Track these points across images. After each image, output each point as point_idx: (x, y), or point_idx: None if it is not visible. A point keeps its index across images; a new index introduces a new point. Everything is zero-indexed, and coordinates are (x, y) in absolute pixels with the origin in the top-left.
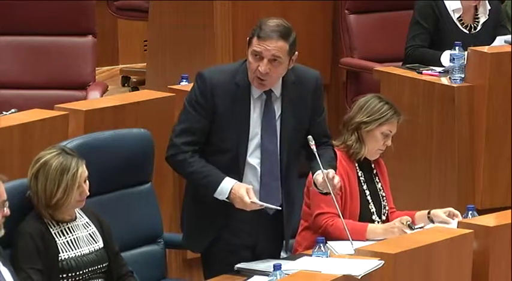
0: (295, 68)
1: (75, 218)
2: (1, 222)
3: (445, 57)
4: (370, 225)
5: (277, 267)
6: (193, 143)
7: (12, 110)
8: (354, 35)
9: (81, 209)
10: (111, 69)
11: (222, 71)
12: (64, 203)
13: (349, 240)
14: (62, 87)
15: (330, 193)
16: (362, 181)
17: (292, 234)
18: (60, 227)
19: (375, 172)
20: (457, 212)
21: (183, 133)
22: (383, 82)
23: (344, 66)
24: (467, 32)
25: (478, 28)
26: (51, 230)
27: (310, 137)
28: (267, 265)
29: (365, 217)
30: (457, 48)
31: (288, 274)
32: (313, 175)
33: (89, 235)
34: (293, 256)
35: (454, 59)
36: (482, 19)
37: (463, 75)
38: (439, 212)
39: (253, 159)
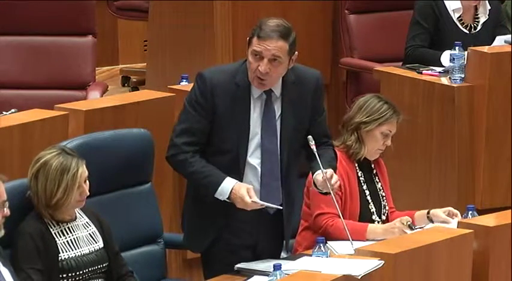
0: (295, 68)
1: (75, 218)
2: (1, 222)
3: (445, 57)
4: (370, 225)
5: (277, 267)
6: (193, 143)
7: (12, 110)
8: (354, 35)
9: (81, 209)
10: (111, 69)
11: (222, 71)
12: (64, 203)
13: (349, 240)
14: (62, 87)
15: (329, 193)
16: (362, 181)
17: (292, 234)
18: (60, 227)
19: (374, 171)
20: (456, 211)
21: (184, 133)
22: (383, 82)
23: (344, 66)
24: (467, 32)
25: (478, 28)
26: (51, 230)
27: (310, 137)
28: (267, 265)
29: (365, 217)
30: (457, 48)
31: (288, 274)
32: (313, 175)
33: (89, 235)
34: (293, 256)
35: (454, 59)
36: (482, 19)
37: (463, 75)
38: (439, 212)
39: (254, 159)
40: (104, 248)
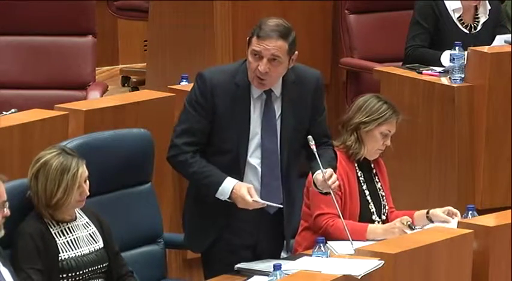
0: (296, 68)
1: (75, 218)
2: (1, 222)
3: (445, 57)
4: (370, 225)
5: (277, 267)
6: (193, 143)
7: (12, 110)
8: (354, 35)
9: (81, 209)
10: (111, 69)
11: (222, 71)
12: (64, 203)
13: (349, 240)
14: (62, 87)
15: (329, 193)
16: (362, 181)
17: (292, 234)
18: (60, 227)
19: (374, 171)
20: (456, 210)
21: (184, 134)
22: (383, 82)
23: (344, 66)
24: (467, 32)
25: (478, 28)
26: (51, 230)
27: (310, 137)
28: (267, 265)
29: (365, 217)
30: (457, 48)
31: (288, 274)
32: (313, 175)
33: (89, 235)
34: (293, 256)
35: (454, 59)
36: (483, 19)
37: (463, 75)
38: (439, 212)
39: (254, 159)
40: (104, 248)
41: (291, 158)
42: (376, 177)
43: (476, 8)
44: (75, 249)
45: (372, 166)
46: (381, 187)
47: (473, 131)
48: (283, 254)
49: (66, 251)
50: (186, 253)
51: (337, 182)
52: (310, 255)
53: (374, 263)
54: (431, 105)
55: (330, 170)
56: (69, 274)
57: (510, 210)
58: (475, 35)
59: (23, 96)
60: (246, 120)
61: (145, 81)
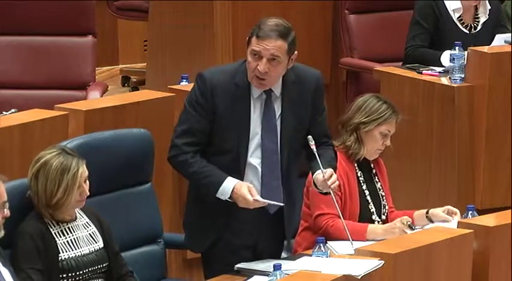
0: (295, 68)
1: (75, 218)
2: (1, 223)
3: (445, 57)
4: (370, 225)
5: (277, 267)
6: (194, 143)
7: (12, 110)
8: (354, 35)
9: (81, 209)
10: (111, 69)
11: (222, 71)
12: (64, 203)
13: (349, 240)
14: (62, 87)
15: (329, 193)
16: (361, 181)
17: (292, 234)
18: (60, 227)
19: (374, 171)
20: (455, 209)
21: (184, 134)
22: (383, 82)
23: (344, 66)
24: (467, 32)
25: (478, 28)
26: (51, 230)
27: (310, 137)
28: (267, 265)
29: (365, 217)
30: (457, 48)
31: (288, 274)
32: (313, 175)
33: (89, 235)
34: (293, 256)
35: (454, 59)
36: (483, 19)
37: (463, 75)
38: (438, 211)
39: (254, 159)
40: (104, 248)
41: (291, 158)
42: (376, 177)
43: (476, 8)
44: (75, 249)
45: (372, 165)
46: (380, 187)
47: (473, 131)
48: (283, 254)
49: (66, 251)
50: (186, 253)
51: (337, 182)
52: (310, 255)
53: (374, 263)
54: (431, 105)
55: (330, 170)
56: (69, 274)
57: (510, 210)
58: (475, 35)
59: (23, 96)
60: (246, 120)
61: (145, 81)
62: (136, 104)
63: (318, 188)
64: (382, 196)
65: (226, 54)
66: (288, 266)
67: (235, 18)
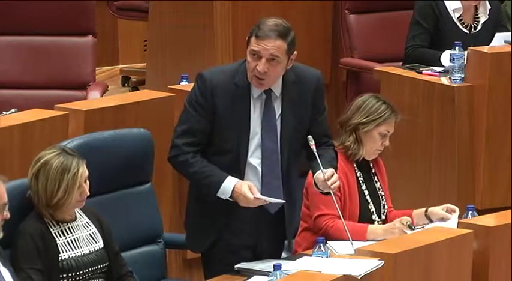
0: (295, 67)
1: (75, 218)
2: (0, 224)
3: (445, 57)
4: (370, 226)
5: (277, 267)
6: (194, 143)
7: (12, 110)
8: (354, 35)
9: (81, 209)
10: (111, 69)
11: (222, 71)
12: (65, 203)
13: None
14: (62, 87)
15: (330, 193)
16: (361, 181)
17: (293, 234)
18: (60, 227)
19: (373, 171)
20: (454, 207)
21: (184, 134)
22: (383, 82)
23: (344, 66)
24: (467, 31)
25: (478, 28)
26: (51, 230)
27: (310, 137)
28: (267, 265)
29: (364, 217)
30: (457, 48)
31: (288, 274)
32: (313, 175)
33: (89, 235)
34: (293, 256)
35: (454, 59)
36: (483, 19)
37: (463, 75)
38: (438, 209)
39: (254, 159)
40: (104, 248)
41: (291, 158)
42: (375, 177)
43: (476, 8)
44: (75, 249)
45: (371, 165)
46: (380, 187)
47: (473, 131)
48: (284, 254)
49: (66, 251)
50: (186, 253)
51: (337, 182)
52: (310, 255)
53: (374, 263)
54: (431, 105)
55: (330, 170)
56: (69, 274)
57: (510, 210)
58: (475, 35)
59: (23, 96)
60: (246, 120)
61: (145, 81)
62: (136, 104)
63: (318, 188)
64: (382, 196)
65: (226, 54)
66: (288, 266)
67: (235, 18)
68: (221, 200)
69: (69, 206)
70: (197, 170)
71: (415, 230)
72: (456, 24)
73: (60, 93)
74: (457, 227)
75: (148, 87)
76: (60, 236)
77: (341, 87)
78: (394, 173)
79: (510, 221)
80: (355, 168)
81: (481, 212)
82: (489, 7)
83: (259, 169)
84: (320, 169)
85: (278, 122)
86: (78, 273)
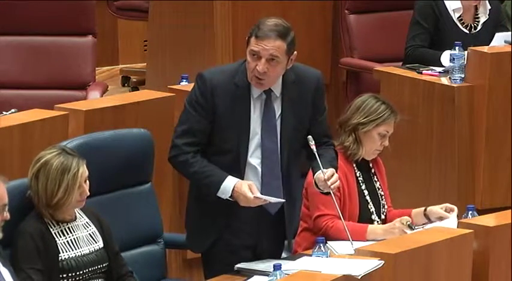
0: (295, 67)
1: (75, 218)
2: (0, 225)
3: (445, 57)
4: (370, 226)
5: (277, 267)
6: (194, 144)
7: (12, 110)
8: (354, 35)
9: (81, 209)
10: (111, 69)
11: (222, 71)
12: (65, 203)
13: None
14: (62, 87)
15: (330, 193)
16: (360, 181)
17: (293, 234)
18: (60, 227)
19: (373, 171)
20: (453, 206)
21: (184, 134)
22: (383, 82)
23: (344, 66)
24: (468, 31)
25: (478, 28)
26: (51, 230)
27: (310, 137)
28: (267, 265)
29: (364, 217)
30: (457, 48)
31: (288, 274)
32: (313, 175)
33: (89, 235)
34: (293, 256)
35: (454, 59)
36: (483, 19)
37: (463, 75)
38: (436, 209)
39: (254, 159)
40: (104, 248)
41: (291, 158)
42: (375, 176)
43: (476, 8)
44: (75, 249)
45: (371, 165)
46: (379, 187)
47: (473, 131)
48: (284, 254)
49: (66, 251)
50: (186, 253)
51: (338, 182)
52: (310, 255)
53: (374, 263)
54: (431, 105)
55: (331, 170)
56: (69, 274)
57: (510, 210)
58: (475, 35)
59: (23, 96)
60: (246, 120)
61: (145, 81)
62: (136, 104)
63: (318, 188)
64: (381, 196)
65: (226, 54)
66: (288, 266)
67: (235, 18)
68: (221, 200)
69: (69, 206)
70: (197, 170)
71: (415, 230)
72: (456, 24)
73: (60, 93)
74: (457, 227)
75: (148, 87)
76: (60, 236)
77: (341, 87)
78: (394, 173)
79: (510, 221)
80: (355, 168)
81: (481, 212)
82: (489, 7)
83: (259, 169)
84: (320, 169)
85: (278, 122)
86: (78, 273)
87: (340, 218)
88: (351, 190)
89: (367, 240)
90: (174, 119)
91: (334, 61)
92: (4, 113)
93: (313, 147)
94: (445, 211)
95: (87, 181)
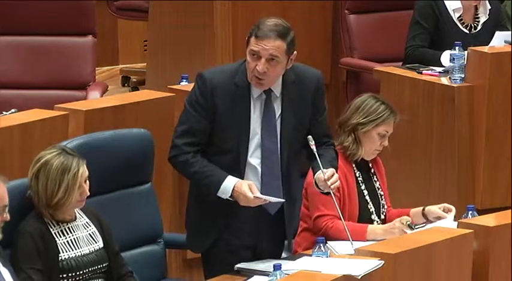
0: (295, 67)
1: (75, 218)
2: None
3: (445, 57)
4: (370, 226)
5: (277, 267)
6: (194, 144)
7: (12, 110)
8: (354, 35)
9: (81, 209)
10: (111, 69)
11: (222, 71)
12: (65, 203)
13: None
14: (62, 87)
15: (330, 193)
16: (360, 181)
17: (293, 234)
18: (60, 227)
19: (372, 171)
20: (451, 206)
21: (184, 134)
22: (383, 82)
23: (344, 66)
24: (468, 31)
25: (478, 28)
26: (51, 230)
27: (310, 137)
28: (267, 265)
29: (364, 217)
30: (457, 48)
31: (288, 274)
32: (314, 175)
33: (89, 235)
34: (293, 256)
35: (454, 59)
36: (483, 19)
37: (463, 75)
38: (435, 208)
39: (254, 159)
40: (104, 248)
41: (291, 158)
42: (375, 176)
43: (476, 8)
44: (75, 249)
45: (370, 165)
46: (379, 186)
47: (473, 131)
48: (284, 254)
49: (66, 251)
50: (186, 253)
51: (338, 182)
52: (310, 255)
53: (374, 263)
54: (431, 105)
55: (331, 170)
56: (69, 274)
57: (510, 210)
58: (475, 35)
59: (23, 96)
60: (246, 120)
61: (145, 81)
62: (136, 104)
63: (319, 188)
64: (381, 195)
65: (226, 54)
66: (288, 266)
67: (235, 18)
68: (221, 200)
69: (69, 206)
70: (197, 170)
71: (415, 230)
72: (456, 24)
73: (60, 93)
74: (457, 227)
75: (148, 87)
76: (60, 236)
77: (341, 87)
78: (394, 173)
79: (510, 221)
80: (354, 168)
81: (481, 212)
82: (489, 7)
83: (259, 169)
84: (320, 169)
85: (278, 122)
86: (78, 273)
87: (340, 219)
88: (351, 190)
89: (367, 240)
90: (174, 119)
91: (334, 61)
92: (4, 113)
93: (313, 147)
94: (443, 211)
95: (87, 181)
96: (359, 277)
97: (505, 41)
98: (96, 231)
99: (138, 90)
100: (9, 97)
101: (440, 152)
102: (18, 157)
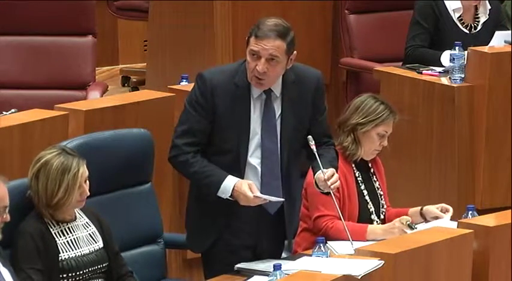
0: (295, 67)
1: (75, 218)
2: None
3: (445, 57)
4: (369, 226)
5: (277, 267)
6: (194, 144)
7: (12, 110)
8: (354, 35)
9: (81, 209)
10: (111, 69)
11: (222, 71)
12: (65, 203)
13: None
14: (62, 87)
15: (330, 193)
16: (360, 181)
17: (293, 234)
18: (60, 227)
19: (372, 171)
20: (449, 207)
21: (184, 134)
22: (383, 82)
23: (344, 66)
24: (468, 31)
25: (478, 28)
26: (51, 230)
27: (310, 137)
28: (267, 265)
29: (364, 216)
30: (457, 48)
31: (288, 274)
32: (314, 175)
33: (89, 235)
34: (293, 256)
35: (454, 59)
36: (483, 19)
37: (463, 75)
38: (432, 208)
39: (254, 159)
40: (104, 248)
41: (291, 158)
42: (374, 176)
43: (476, 8)
44: (75, 249)
45: (370, 165)
46: (379, 186)
47: (473, 131)
48: (284, 254)
49: (66, 251)
50: (186, 253)
51: (338, 182)
52: (310, 255)
53: (374, 263)
54: (431, 105)
55: (331, 170)
56: (69, 274)
57: (510, 210)
58: (475, 35)
59: (23, 96)
60: (246, 120)
61: (145, 81)
62: (136, 104)
63: (319, 188)
64: (381, 195)
65: (226, 54)
66: (288, 266)
67: (235, 18)
68: (221, 200)
69: (69, 206)
70: (197, 170)
71: (415, 230)
72: (456, 24)
73: (60, 93)
74: (457, 227)
75: (148, 87)
76: (60, 236)
77: (341, 87)
78: (394, 173)
79: (510, 221)
80: (354, 168)
81: (481, 212)
82: (489, 7)
83: (259, 168)
84: (320, 169)
85: (278, 122)
86: (78, 273)
87: (340, 219)
88: (350, 190)
89: (367, 240)
90: (174, 119)
91: (334, 61)
92: (4, 113)
93: (313, 147)
94: (441, 211)
95: (87, 181)
96: (359, 277)
97: (505, 41)
98: (96, 231)
99: (138, 90)
100: (9, 97)
101: (440, 152)
102: (18, 157)
